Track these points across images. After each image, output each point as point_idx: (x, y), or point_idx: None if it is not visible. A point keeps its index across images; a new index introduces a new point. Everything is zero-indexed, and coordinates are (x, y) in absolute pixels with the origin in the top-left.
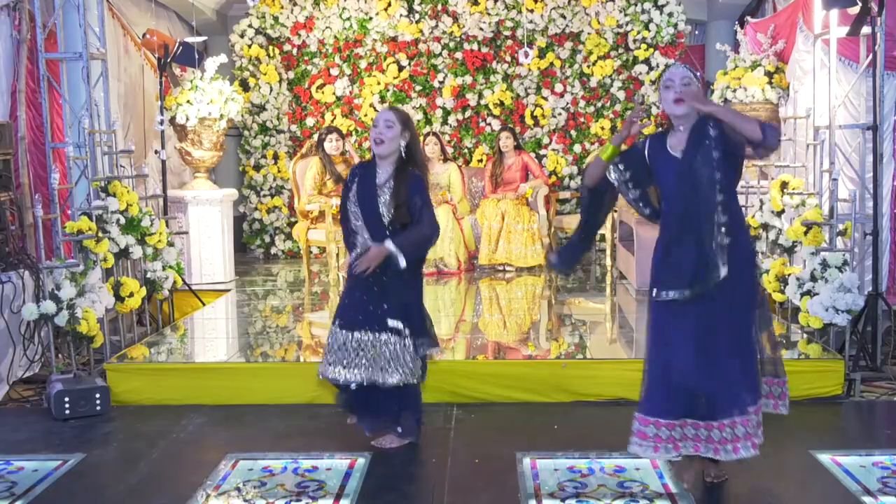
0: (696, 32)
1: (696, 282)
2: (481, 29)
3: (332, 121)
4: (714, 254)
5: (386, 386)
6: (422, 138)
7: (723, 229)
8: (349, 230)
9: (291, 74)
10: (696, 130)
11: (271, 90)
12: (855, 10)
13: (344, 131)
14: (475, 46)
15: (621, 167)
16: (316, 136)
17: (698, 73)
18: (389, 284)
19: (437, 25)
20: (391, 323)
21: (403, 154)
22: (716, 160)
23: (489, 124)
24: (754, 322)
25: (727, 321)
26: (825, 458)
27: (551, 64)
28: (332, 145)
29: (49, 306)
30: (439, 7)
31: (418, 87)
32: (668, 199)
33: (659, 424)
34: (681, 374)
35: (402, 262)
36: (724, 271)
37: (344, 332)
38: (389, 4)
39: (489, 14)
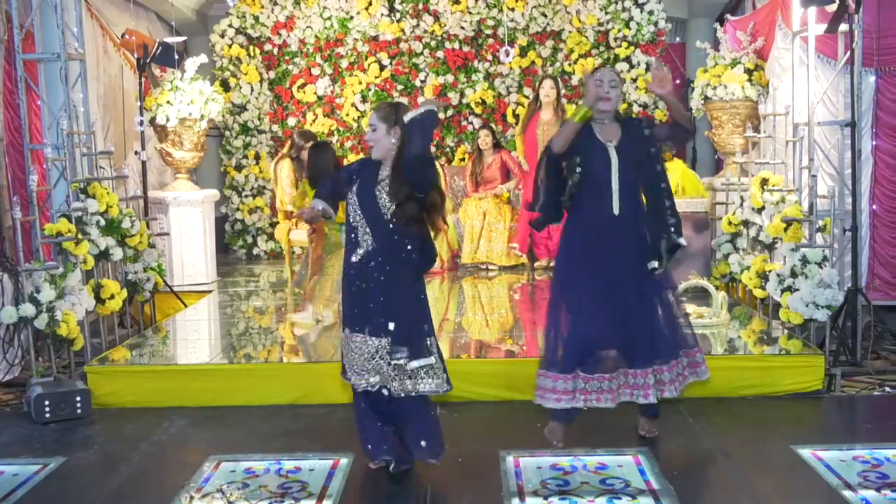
0: (677, 30)
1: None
2: (462, 28)
3: (314, 121)
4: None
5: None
6: None
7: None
8: (349, 227)
9: (272, 74)
10: (628, 128)
11: (252, 90)
12: (833, 8)
13: (325, 131)
14: (456, 45)
15: (573, 152)
16: (295, 141)
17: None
18: (383, 286)
19: (418, 24)
20: (381, 324)
21: (396, 150)
22: (654, 154)
23: (471, 123)
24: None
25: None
26: (806, 452)
27: (532, 62)
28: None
29: (28, 309)
30: (420, 6)
31: (400, 87)
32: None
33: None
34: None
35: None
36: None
37: (348, 333)
38: (370, 3)
39: (470, 13)
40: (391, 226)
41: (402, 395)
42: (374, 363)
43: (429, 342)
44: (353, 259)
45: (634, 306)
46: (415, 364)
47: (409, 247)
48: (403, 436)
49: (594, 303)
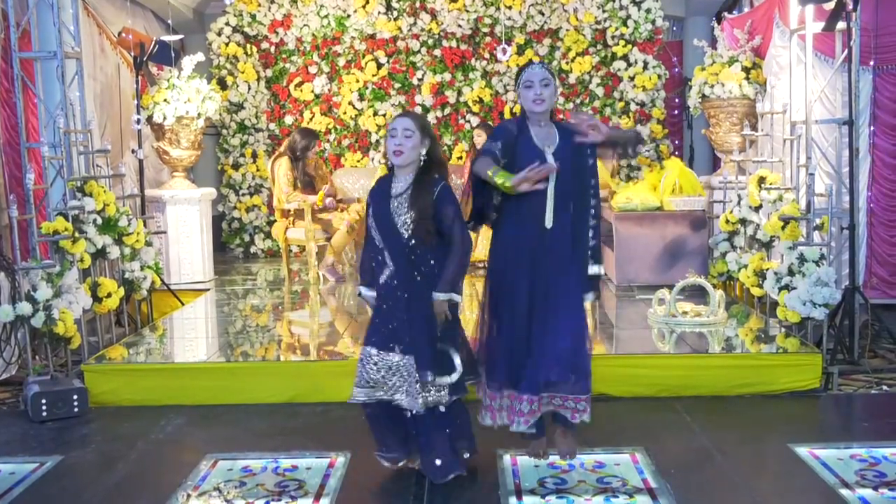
0: (674, 28)
1: None
2: (460, 26)
3: (311, 119)
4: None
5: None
6: None
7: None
8: (376, 249)
9: (269, 72)
10: (567, 135)
11: (249, 88)
12: (830, 6)
13: (322, 129)
14: (454, 43)
15: (502, 155)
16: (296, 139)
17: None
18: (406, 304)
19: (415, 22)
20: (406, 342)
21: (423, 161)
22: (591, 166)
23: (468, 121)
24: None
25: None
26: (803, 451)
27: (530, 60)
28: (313, 150)
29: (25, 307)
30: (417, 4)
31: (397, 85)
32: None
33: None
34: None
35: (458, 298)
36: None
37: (369, 350)
38: (367, 2)
39: (467, 11)
40: (412, 242)
41: (423, 410)
42: (397, 379)
43: (454, 358)
44: (381, 280)
45: (544, 328)
46: (446, 380)
47: (432, 262)
48: (419, 449)
49: (514, 322)
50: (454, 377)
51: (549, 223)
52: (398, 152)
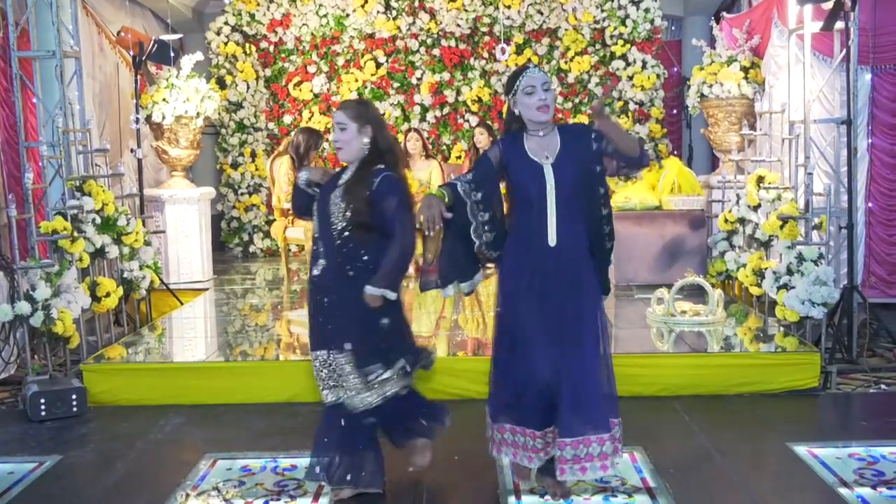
0: (673, 28)
1: None
2: (458, 25)
3: (310, 118)
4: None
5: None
6: (402, 135)
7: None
8: (314, 239)
9: (268, 72)
10: (569, 140)
11: (248, 88)
12: (828, 6)
13: (321, 129)
14: (452, 43)
15: (473, 188)
16: (302, 139)
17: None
18: (340, 300)
19: (414, 22)
20: (339, 340)
21: (367, 151)
22: (598, 173)
23: (467, 121)
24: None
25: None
26: (801, 450)
27: (529, 60)
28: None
29: (24, 307)
30: (416, 3)
31: (396, 84)
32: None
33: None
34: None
35: (392, 295)
36: None
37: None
38: (366, 1)
39: (466, 10)
40: (344, 235)
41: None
42: (341, 379)
43: (391, 352)
44: (314, 272)
45: (569, 361)
46: (385, 375)
47: (365, 257)
48: (404, 425)
49: (525, 353)
50: (389, 373)
51: (552, 240)
52: (338, 148)
